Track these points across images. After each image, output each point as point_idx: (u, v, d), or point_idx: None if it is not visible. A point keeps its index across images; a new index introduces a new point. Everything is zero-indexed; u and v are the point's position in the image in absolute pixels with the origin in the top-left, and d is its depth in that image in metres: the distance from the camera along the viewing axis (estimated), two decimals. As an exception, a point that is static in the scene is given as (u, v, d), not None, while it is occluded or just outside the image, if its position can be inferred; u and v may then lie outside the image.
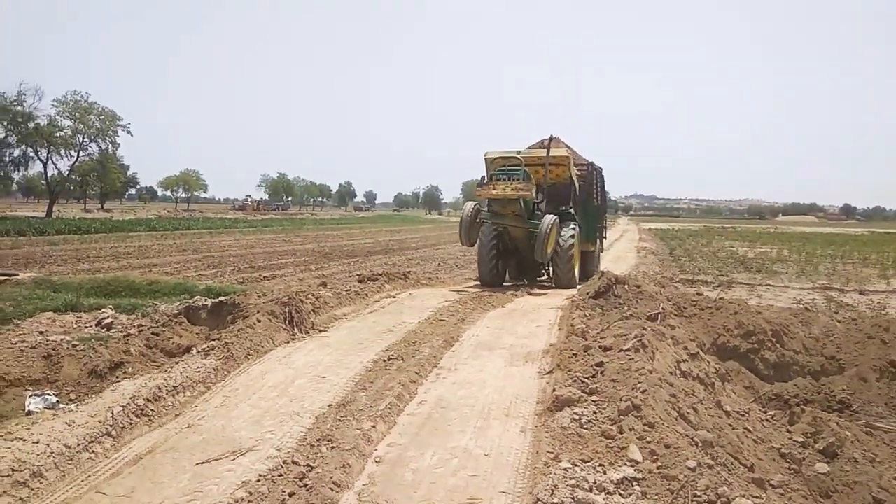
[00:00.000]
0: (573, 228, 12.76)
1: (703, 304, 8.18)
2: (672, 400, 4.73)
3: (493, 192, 11.56)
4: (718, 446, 4.43)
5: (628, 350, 5.38)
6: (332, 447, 4.04)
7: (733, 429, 5.02)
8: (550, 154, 13.13)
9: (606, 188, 18.01)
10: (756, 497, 3.77)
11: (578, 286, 11.54)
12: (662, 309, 7.50)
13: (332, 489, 3.55)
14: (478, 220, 12.36)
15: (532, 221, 12.04)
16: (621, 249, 32.15)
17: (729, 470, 4.11)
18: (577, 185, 14.17)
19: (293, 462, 3.84)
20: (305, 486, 3.56)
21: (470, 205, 12.53)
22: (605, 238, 18.74)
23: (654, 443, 4.01)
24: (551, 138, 13.42)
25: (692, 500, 3.49)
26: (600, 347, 5.72)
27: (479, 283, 13.13)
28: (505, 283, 13.45)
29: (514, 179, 11.58)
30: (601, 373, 5.12)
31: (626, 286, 8.12)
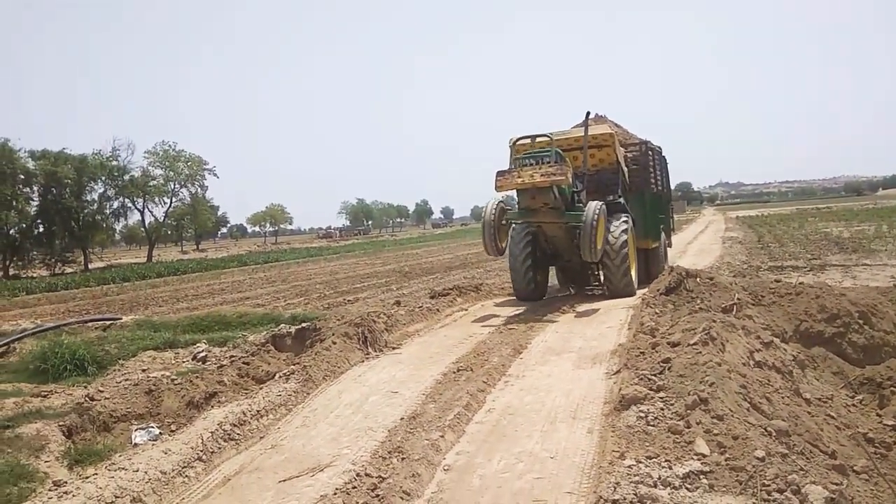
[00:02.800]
0: (625, 222, 10.61)
1: (782, 291, 7.87)
2: (743, 391, 4.65)
3: (519, 180, 9.10)
4: (795, 434, 4.32)
5: (696, 344, 5.31)
6: (403, 458, 4.22)
7: (812, 416, 4.87)
8: (589, 133, 10.93)
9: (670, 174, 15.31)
10: (836, 484, 3.67)
11: (639, 291, 10.10)
12: (738, 299, 7.32)
13: (402, 498, 3.73)
14: (504, 222, 10.03)
15: (572, 213, 9.77)
16: (706, 241, 31.08)
17: (806, 458, 4.01)
18: (625, 169, 11.99)
19: (366, 475, 4.04)
20: (377, 496, 3.75)
21: (492, 202, 9.84)
22: (673, 231, 16.21)
23: (722, 435, 3.97)
24: (588, 114, 11.14)
25: (760, 490, 3.45)
26: (668, 343, 5.66)
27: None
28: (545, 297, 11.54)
29: (543, 163, 9.20)
30: (668, 369, 5.08)
31: (697, 279, 7.94)
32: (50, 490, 4.33)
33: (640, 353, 5.73)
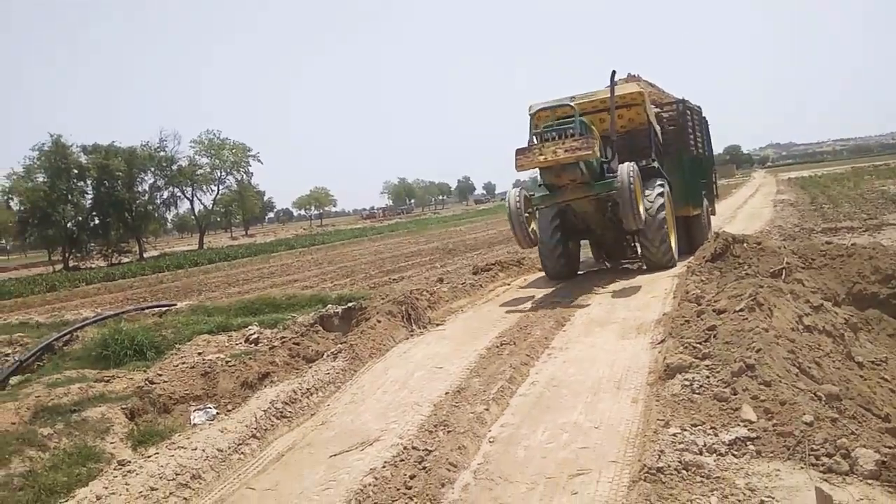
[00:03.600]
0: (661, 186, 9.85)
1: (833, 253, 7.64)
2: (791, 356, 4.58)
3: (541, 157, 8.23)
4: (846, 399, 4.25)
5: (742, 310, 5.23)
6: (449, 431, 4.31)
7: (865, 380, 4.77)
8: (616, 92, 10.05)
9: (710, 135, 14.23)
10: (889, 447, 3.60)
11: (680, 263, 9.58)
12: (787, 263, 7.15)
13: (448, 469, 3.81)
14: (530, 211, 9.17)
15: (602, 183, 9.00)
16: (756, 205, 30.22)
17: (858, 422, 3.94)
18: (657, 129, 11.15)
19: (413, 448, 4.14)
20: (424, 468, 3.84)
21: (514, 192, 8.99)
22: (717, 197, 15.20)
23: (770, 401, 3.92)
24: (614, 73, 10.02)
25: (809, 455, 3.41)
26: (714, 311, 5.58)
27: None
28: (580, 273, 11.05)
29: (566, 136, 8.33)
30: (714, 336, 5.02)
31: (745, 245, 7.77)
32: (115, 469, 4.56)
33: (685, 321, 5.67)
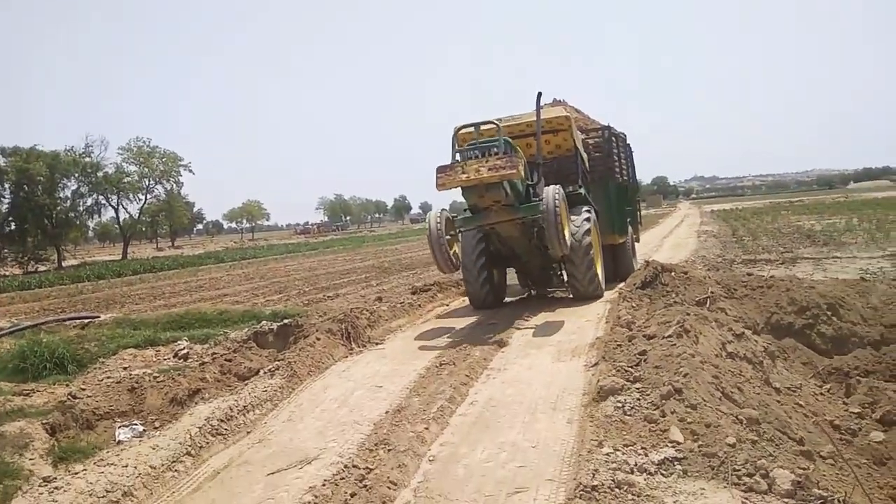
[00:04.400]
0: (587, 212, 9.56)
1: (753, 284, 8.13)
2: (715, 381, 4.85)
3: (463, 176, 7.74)
4: (765, 422, 4.52)
5: (670, 336, 5.50)
6: (389, 450, 4.34)
7: (782, 405, 5.08)
8: (543, 116, 9.76)
9: (634, 162, 14.11)
10: (803, 468, 3.86)
11: (606, 293, 9.55)
12: (711, 293, 7.54)
13: (389, 488, 3.85)
14: (452, 234, 8.64)
15: (528, 206, 8.54)
16: (681, 235, 31.55)
17: (776, 444, 4.20)
18: (584, 156, 10.97)
19: (354, 466, 4.15)
20: (365, 486, 3.86)
21: (434, 214, 8.43)
22: (641, 224, 14.94)
23: (696, 423, 4.15)
24: (540, 95, 9.61)
25: (731, 475, 3.62)
26: (644, 336, 5.85)
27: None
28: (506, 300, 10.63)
29: (491, 155, 7.87)
30: (644, 360, 5.26)
31: (673, 273, 8.15)
32: (40, 486, 4.38)
33: (618, 345, 5.90)
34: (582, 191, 10.15)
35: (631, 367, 5.25)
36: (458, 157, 8.11)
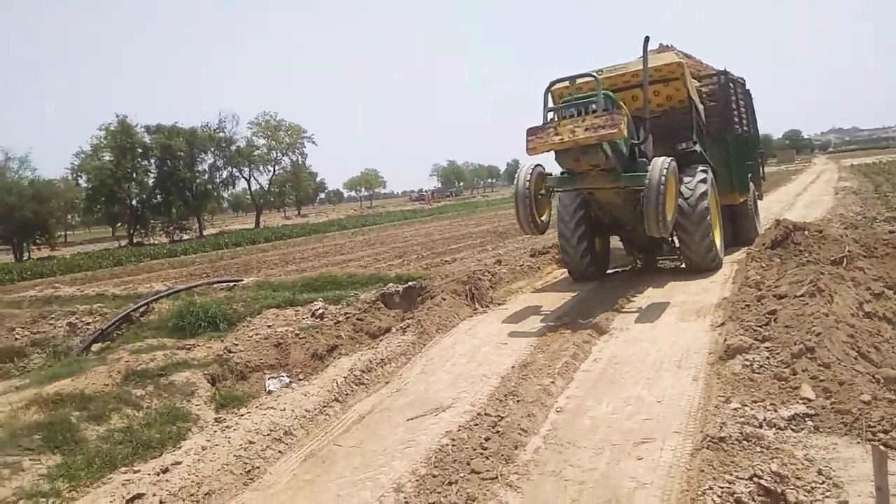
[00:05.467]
0: (703, 173, 8.52)
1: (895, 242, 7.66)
2: (850, 340, 4.74)
3: (556, 138, 6.85)
4: (906, 382, 4.39)
5: (802, 296, 5.38)
6: (518, 401, 4.63)
7: (925, 365, 4.87)
8: (650, 65, 8.54)
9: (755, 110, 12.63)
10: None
11: (726, 258, 8.84)
12: (848, 251, 7.19)
13: (520, 434, 4.13)
14: (542, 193, 7.83)
15: (631, 175, 7.52)
16: (816, 192, 29.42)
17: (918, 405, 4.09)
18: (700, 107, 9.74)
19: (486, 414, 4.47)
20: (498, 432, 4.16)
21: (526, 168, 7.72)
22: (764, 179, 13.65)
23: (829, 381, 4.12)
24: (647, 41, 8.39)
25: (866, 431, 3.61)
26: (774, 296, 5.74)
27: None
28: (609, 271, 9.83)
29: (588, 113, 6.98)
30: (774, 320, 5.20)
31: (806, 232, 7.81)
32: (214, 425, 5.05)
33: (746, 305, 5.83)
34: (697, 148, 9.04)
35: (760, 326, 5.21)
36: (551, 116, 7.34)
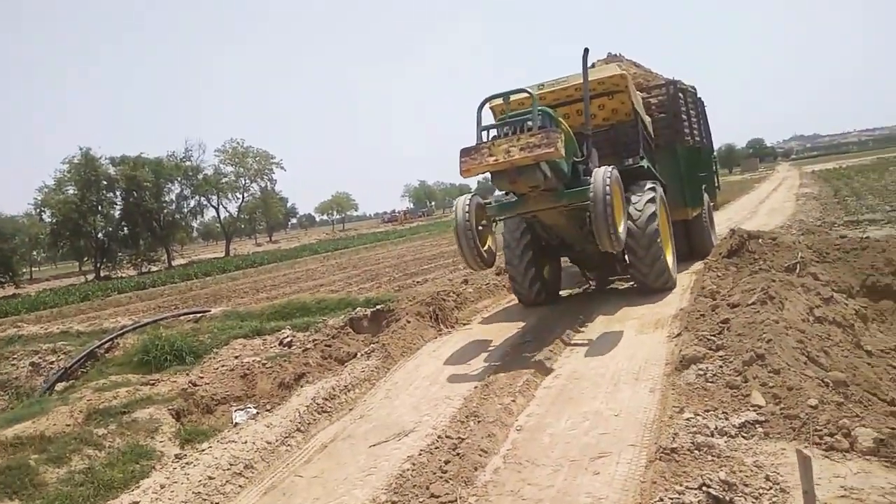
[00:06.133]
0: (651, 191, 7.97)
1: (847, 247, 7.87)
2: (800, 346, 4.86)
3: (491, 159, 6.30)
4: (853, 384, 4.51)
5: (754, 304, 5.51)
6: (479, 421, 4.65)
7: (873, 367, 5.01)
8: (593, 77, 8.18)
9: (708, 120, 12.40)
10: (893, 427, 3.87)
11: (682, 272, 8.63)
12: (801, 258, 7.38)
13: (480, 455, 4.16)
14: (484, 224, 7.10)
15: (574, 191, 6.98)
16: (778, 199, 30.11)
17: (864, 406, 4.21)
18: (646, 120, 9.33)
19: (447, 437, 4.49)
20: (458, 454, 4.18)
21: (463, 200, 6.94)
22: (720, 189, 13.51)
23: (778, 387, 4.21)
24: (587, 52, 7.74)
25: (813, 435, 3.70)
26: (728, 305, 5.87)
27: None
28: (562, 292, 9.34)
29: (524, 130, 6.43)
30: (727, 329, 5.32)
31: (760, 241, 8.02)
32: (173, 462, 4.99)
33: (701, 315, 5.95)
34: (644, 163, 8.55)
35: (713, 335, 5.32)
36: (484, 135, 6.80)
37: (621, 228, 6.60)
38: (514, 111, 6.99)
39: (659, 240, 7.71)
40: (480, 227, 6.94)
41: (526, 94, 7.05)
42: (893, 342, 5.78)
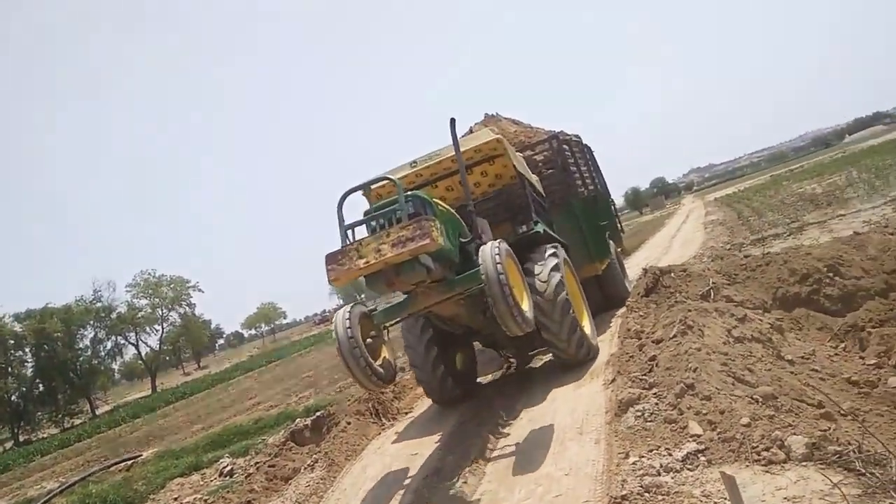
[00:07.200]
0: (553, 256, 7.21)
1: (752, 265, 8.27)
2: (725, 368, 5.01)
3: (360, 262, 5.38)
4: (782, 395, 4.66)
5: (675, 336, 5.68)
6: (433, 510, 4.50)
7: (796, 375, 5.21)
8: (469, 146, 7.62)
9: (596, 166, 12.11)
10: (824, 430, 3.99)
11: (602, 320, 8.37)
12: (713, 283, 7.70)
13: (438, 548, 4.00)
14: (373, 335, 5.85)
15: (465, 276, 6.00)
16: (688, 231, 31.54)
17: (795, 414, 4.34)
18: (532, 180, 8.72)
19: (401, 536, 4.31)
20: (415, 552, 4.01)
21: (342, 315, 5.62)
22: (623, 232, 13.22)
23: (711, 413, 4.31)
24: (453, 122, 6.63)
25: (752, 452, 3.77)
26: (653, 342, 6.01)
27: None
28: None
29: (392, 223, 5.59)
30: (656, 365, 5.43)
31: (672, 274, 8.32)
32: None
33: (630, 357, 6.06)
34: (540, 227, 7.68)
35: (644, 374, 5.41)
36: (347, 236, 5.83)
37: (526, 307, 5.67)
38: (384, 200, 6.25)
39: (571, 310, 6.92)
40: (370, 340, 5.80)
41: (387, 181, 6.25)
42: (811, 347, 6.04)
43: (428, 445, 6.22)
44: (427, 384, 7.49)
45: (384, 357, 5.87)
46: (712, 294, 7.39)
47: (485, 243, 5.90)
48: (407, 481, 5.38)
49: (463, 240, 6.51)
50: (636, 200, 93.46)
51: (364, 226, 5.82)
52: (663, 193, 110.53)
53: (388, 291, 6.17)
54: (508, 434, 5.78)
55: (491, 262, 5.34)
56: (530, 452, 5.11)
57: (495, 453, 5.43)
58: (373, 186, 6.32)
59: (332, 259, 5.54)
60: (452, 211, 6.54)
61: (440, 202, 6.30)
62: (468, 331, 7.45)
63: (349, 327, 5.51)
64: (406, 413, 7.85)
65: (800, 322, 7.23)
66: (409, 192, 5.95)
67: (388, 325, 6.32)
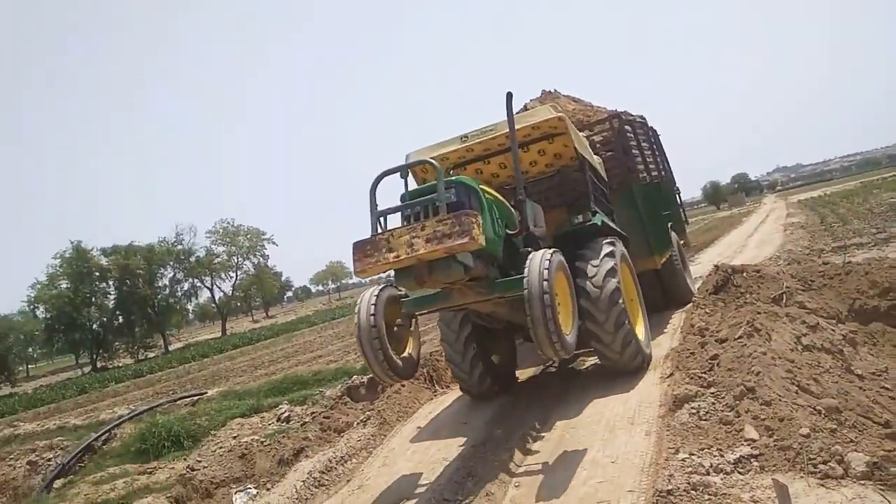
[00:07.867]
0: (609, 256, 6.33)
1: (830, 273, 7.94)
2: (789, 375, 4.86)
3: (390, 256, 4.79)
4: (846, 410, 4.51)
5: (741, 337, 5.54)
6: (477, 481, 4.61)
7: (864, 391, 5.01)
8: (526, 122, 6.75)
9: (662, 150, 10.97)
10: (888, 450, 3.86)
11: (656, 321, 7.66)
12: (787, 288, 7.44)
13: (479, 516, 4.11)
14: (399, 323, 5.45)
15: (507, 281, 5.37)
16: (767, 231, 30.36)
17: (858, 430, 4.20)
18: (594, 163, 7.72)
19: (444, 500, 4.44)
20: (457, 517, 4.13)
21: (369, 296, 5.30)
22: (687, 222, 11.83)
23: (770, 419, 4.21)
24: (510, 97, 6.01)
25: (807, 464, 3.69)
26: (716, 341, 5.88)
27: None
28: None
29: (429, 214, 4.97)
30: (717, 364, 5.32)
31: (745, 274, 8.08)
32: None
33: (691, 353, 5.95)
34: (598, 220, 6.82)
35: (704, 372, 5.32)
36: (379, 223, 5.17)
37: (568, 331, 4.95)
38: (425, 185, 5.64)
39: (627, 321, 6.14)
40: (396, 327, 5.37)
41: (427, 164, 5.37)
42: (884, 364, 5.78)
43: (478, 417, 6.33)
44: (463, 381, 6.97)
45: (408, 349, 5.45)
46: (784, 298, 7.14)
47: (534, 236, 5.54)
48: (456, 449, 5.49)
49: (510, 231, 5.82)
50: (715, 195, 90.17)
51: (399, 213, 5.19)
52: (744, 190, 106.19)
53: (417, 289, 5.34)
54: (557, 417, 5.82)
55: (537, 277, 4.70)
56: (579, 437, 5.13)
57: (542, 433, 5.47)
58: (404, 173, 5.56)
59: (359, 249, 4.96)
60: (501, 199, 5.87)
61: (488, 189, 5.68)
62: (509, 326, 6.83)
63: (373, 314, 5.11)
64: (459, 383, 7.98)
65: (875, 337, 6.92)
66: (453, 178, 5.38)
67: (419, 313, 5.77)
